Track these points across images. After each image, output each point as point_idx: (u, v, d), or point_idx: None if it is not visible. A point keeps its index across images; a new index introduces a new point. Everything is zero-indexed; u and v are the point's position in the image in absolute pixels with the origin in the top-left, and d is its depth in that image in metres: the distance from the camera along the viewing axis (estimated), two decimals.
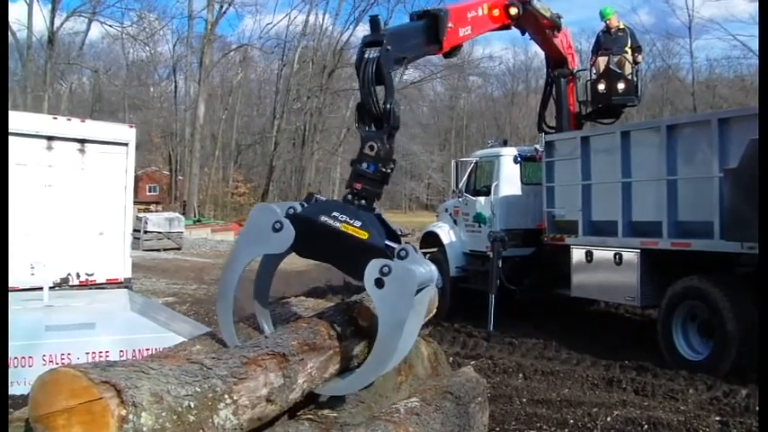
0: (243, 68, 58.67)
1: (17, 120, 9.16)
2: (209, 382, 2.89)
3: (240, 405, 2.97)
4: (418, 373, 4.64)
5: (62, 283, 9.40)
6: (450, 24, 6.52)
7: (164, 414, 2.62)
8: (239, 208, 54.37)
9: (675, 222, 9.21)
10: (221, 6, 49.82)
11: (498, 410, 6.75)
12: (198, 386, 2.83)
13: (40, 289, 8.21)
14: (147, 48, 53.80)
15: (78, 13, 46.23)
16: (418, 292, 3.60)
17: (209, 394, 2.84)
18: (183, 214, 38.74)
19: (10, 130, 7.51)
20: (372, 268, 3.52)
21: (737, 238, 7.90)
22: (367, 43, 4.51)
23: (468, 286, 12.49)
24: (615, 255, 9.98)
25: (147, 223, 28.96)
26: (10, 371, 5.82)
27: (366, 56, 4.42)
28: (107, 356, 6.48)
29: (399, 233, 4.21)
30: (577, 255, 10.70)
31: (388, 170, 4.15)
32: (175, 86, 57.51)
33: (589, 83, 12.47)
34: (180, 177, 57.08)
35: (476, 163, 13.01)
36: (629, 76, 12.08)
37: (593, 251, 10.41)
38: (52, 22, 43.47)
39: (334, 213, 3.82)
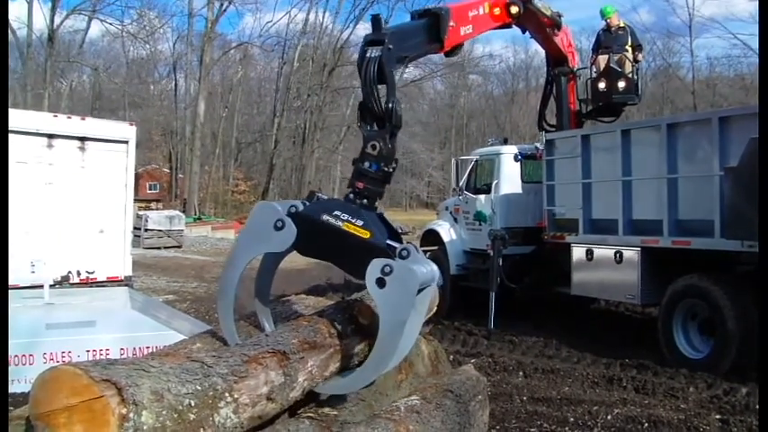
0: (243, 66, 58.69)
1: (17, 118, 9.16)
2: (210, 381, 2.89)
3: (241, 403, 2.98)
4: (419, 372, 4.64)
5: (63, 281, 9.41)
6: (451, 23, 6.49)
7: (164, 412, 2.62)
8: (239, 206, 54.46)
9: (676, 221, 9.21)
10: (221, 4, 49.90)
11: (498, 409, 6.75)
12: (198, 384, 2.83)
13: (41, 287, 8.23)
14: (148, 46, 53.93)
15: (78, 11, 46.36)
16: (419, 291, 3.60)
17: (209, 392, 2.85)
18: (184, 212, 38.76)
19: (10, 128, 7.53)
20: (374, 268, 3.52)
21: (738, 236, 7.89)
22: (369, 42, 4.49)
23: (468, 284, 12.49)
24: (616, 253, 9.98)
25: (147, 221, 28.99)
26: (10, 369, 5.84)
27: (368, 55, 4.40)
28: (107, 354, 6.48)
29: (400, 231, 4.21)
30: (578, 253, 10.70)
31: (390, 169, 4.14)
32: (176, 84, 57.59)
33: (589, 81, 12.45)
34: (180, 175, 57.09)
35: (476, 161, 13.00)
36: (630, 75, 12.06)
37: (594, 249, 10.41)
38: (52, 20, 43.57)
39: (336, 212, 3.82)
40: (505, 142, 13.69)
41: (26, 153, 9.20)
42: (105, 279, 9.92)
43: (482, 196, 12.59)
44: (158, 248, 27.84)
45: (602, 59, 12.19)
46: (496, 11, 9.13)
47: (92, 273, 9.77)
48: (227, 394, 2.92)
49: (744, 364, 7.89)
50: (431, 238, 13.54)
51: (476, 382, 4.78)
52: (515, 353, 9.74)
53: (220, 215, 49.36)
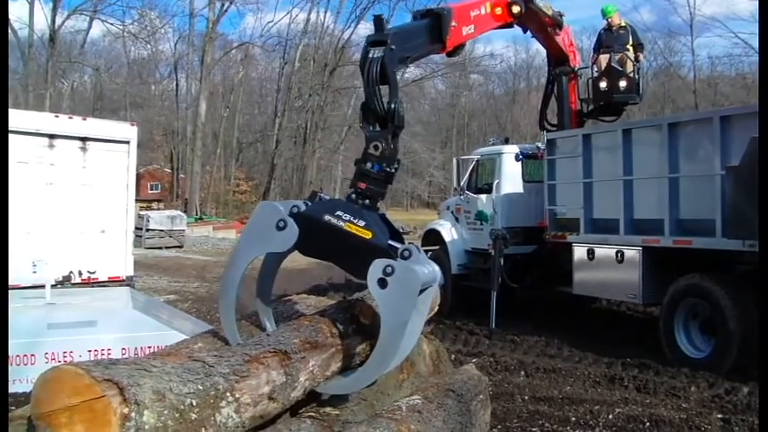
0: (244, 66, 58.66)
1: (19, 118, 9.18)
2: (212, 380, 2.89)
3: (242, 403, 2.98)
4: (420, 371, 4.64)
5: (64, 281, 9.42)
6: (453, 23, 6.49)
7: (166, 412, 2.62)
8: (241, 206, 54.47)
9: (677, 220, 9.20)
10: (222, 4, 49.87)
11: (500, 408, 6.75)
12: (200, 384, 2.83)
13: (43, 287, 8.24)
14: (149, 46, 53.82)
15: (80, 11, 46.32)
16: (421, 292, 3.59)
17: (211, 392, 2.85)
18: (185, 212, 38.77)
19: (12, 129, 7.54)
20: (375, 268, 3.52)
21: (739, 235, 7.89)
22: (371, 42, 4.48)
23: (469, 284, 12.48)
24: (617, 252, 9.97)
25: (148, 221, 29.02)
26: (12, 369, 5.85)
27: (370, 55, 4.39)
28: (109, 354, 6.48)
29: (401, 231, 4.21)
30: (579, 252, 10.70)
31: (393, 170, 4.14)
32: (177, 84, 57.54)
33: (591, 80, 12.44)
34: (182, 175, 57.11)
35: (477, 161, 13.01)
36: (631, 74, 12.05)
37: (595, 249, 10.41)
38: (53, 21, 43.58)
39: (338, 212, 3.82)
40: (507, 142, 13.71)
41: (27, 153, 9.21)
42: (107, 279, 9.93)
43: (483, 196, 12.59)
44: (160, 248, 27.86)
45: (604, 59, 12.18)
46: (498, 10, 9.13)
47: (93, 273, 9.78)
48: (228, 394, 2.92)
49: (745, 364, 7.89)
50: (432, 237, 13.54)
51: (477, 382, 4.78)
52: (517, 352, 9.74)
53: (222, 215, 49.38)
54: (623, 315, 12.61)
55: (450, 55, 7.17)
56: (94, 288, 9.62)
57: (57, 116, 10.72)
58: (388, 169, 4.12)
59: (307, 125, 48.31)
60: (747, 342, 7.88)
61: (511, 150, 12.57)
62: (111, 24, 48.13)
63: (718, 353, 8.47)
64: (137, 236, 18.13)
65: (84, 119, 10.85)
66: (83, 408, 2.49)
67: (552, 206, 11.43)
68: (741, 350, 8.08)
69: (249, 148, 62.01)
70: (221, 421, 2.84)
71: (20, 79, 43.40)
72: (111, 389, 2.52)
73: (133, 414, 2.51)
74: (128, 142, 10.22)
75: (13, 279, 7.26)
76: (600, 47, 12.47)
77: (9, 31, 38.94)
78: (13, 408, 3.70)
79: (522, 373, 8.47)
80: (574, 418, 6.59)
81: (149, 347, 6.37)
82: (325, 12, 50.67)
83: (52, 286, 8.44)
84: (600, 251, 10.34)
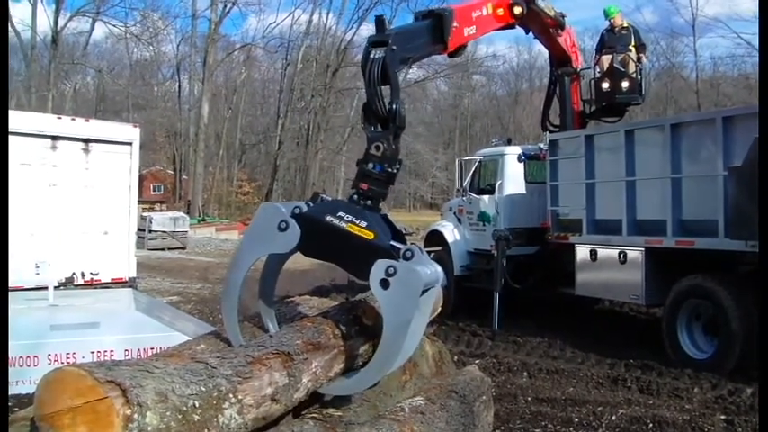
0: (247, 68, 58.72)
1: (21, 120, 9.19)
2: (214, 382, 2.89)
3: (245, 404, 2.98)
4: (423, 372, 4.64)
5: (67, 283, 9.43)
6: (455, 24, 6.51)
7: (168, 413, 2.62)
8: (243, 207, 54.51)
9: (680, 221, 9.19)
10: (225, 6, 49.94)
11: (503, 409, 6.75)
12: (203, 385, 2.83)
13: (45, 288, 8.23)
14: (151, 47, 53.81)
15: (82, 12, 46.30)
16: (423, 292, 3.59)
17: (213, 393, 2.85)
18: (188, 213, 38.79)
19: (14, 130, 7.55)
20: (378, 269, 3.51)
21: (741, 236, 7.87)
22: (372, 43, 4.48)
23: (472, 285, 12.47)
24: (619, 253, 9.96)
25: (151, 222, 29.05)
26: (15, 370, 5.85)
27: (372, 56, 4.39)
28: (112, 356, 6.47)
29: (404, 232, 4.21)
30: (582, 253, 10.69)
31: (394, 171, 4.14)
32: (179, 86, 57.60)
33: (593, 81, 12.44)
34: (184, 177, 57.19)
35: (480, 162, 13.01)
36: (633, 75, 12.04)
37: (598, 250, 10.40)
38: (56, 22, 43.62)
39: (340, 213, 3.82)
40: (509, 143, 13.71)
41: (30, 155, 9.21)
42: (110, 280, 9.93)
43: (486, 197, 12.59)
44: (162, 250, 27.88)
45: (606, 59, 12.17)
46: (500, 11, 9.14)
47: (96, 274, 9.78)
48: (231, 395, 2.92)
49: (747, 365, 7.88)
50: (435, 238, 13.54)
51: (480, 383, 4.78)
52: (519, 353, 9.73)
53: (224, 216, 49.44)
54: (626, 316, 12.60)
55: (451, 56, 7.18)
56: (97, 289, 9.63)
57: (59, 118, 10.72)
58: (390, 170, 4.12)
59: (309, 126, 48.35)
60: (750, 342, 7.87)
61: (513, 151, 12.57)
62: (114, 26, 48.24)
63: (720, 354, 8.46)
64: (139, 237, 18.16)
65: (87, 120, 10.86)
66: (86, 409, 2.49)
67: (555, 207, 11.42)
68: (743, 351, 8.08)
69: (252, 149, 62.07)
70: (224, 423, 2.84)
71: (22, 81, 43.52)
72: (114, 390, 2.52)
73: (136, 415, 2.51)
74: (130, 144, 10.22)
75: (16, 280, 7.28)
76: (602, 48, 12.46)
77: (12, 32, 39.07)
78: (15, 409, 3.71)
79: (525, 374, 8.46)
80: (577, 420, 6.59)
81: (152, 349, 6.36)
82: (328, 13, 50.74)
83: (55, 288, 8.44)
84: (602, 252, 10.33)
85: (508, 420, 6.55)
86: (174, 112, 58.38)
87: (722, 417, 6.63)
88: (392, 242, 3.75)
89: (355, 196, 4.03)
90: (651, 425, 6.34)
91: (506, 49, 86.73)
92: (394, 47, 4.45)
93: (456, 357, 8.33)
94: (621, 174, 9.97)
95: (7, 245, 5.24)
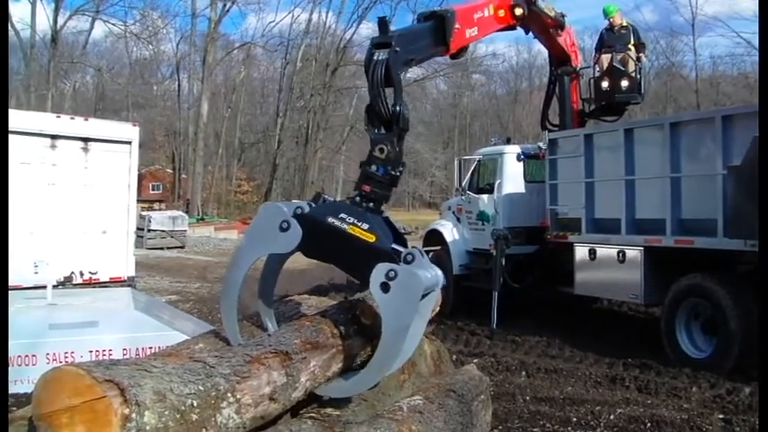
0: (246, 67, 58.65)
1: (20, 118, 9.19)
2: (212, 381, 2.90)
3: (243, 404, 2.98)
4: (421, 372, 4.64)
5: (66, 282, 9.43)
6: (456, 25, 6.50)
7: (167, 413, 2.62)
8: (242, 206, 54.53)
9: (679, 220, 9.19)
10: (224, 5, 49.85)
11: (501, 408, 6.74)
12: (201, 385, 2.83)
13: (44, 287, 8.24)
14: (151, 46, 53.70)
15: (81, 11, 46.28)
16: (424, 296, 3.59)
17: (212, 393, 2.85)
18: (187, 212, 38.79)
19: (14, 129, 7.55)
20: (378, 272, 3.51)
21: (740, 235, 7.88)
22: (375, 45, 4.48)
23: (471, 284, 12.47)
24: (618, 252, 9.96)
25: (150, 222, 29.02)
26: (13, 369, 5.85)
27: (375, 58, 4.39)
28: (110, 355, 6.48)
29: (403, 231, 4.20)
30: (580, 252, 10.69)
31: (397, 173, 4.14)
32: (179, 85, 57.51)
33: (592, 80, 12.44)
34: (183, 176, 57.11)
35: (479, 161, 13.00)
36: (633, 74, 12.04)
37: (597, 249, 10.40)
38: (55, 21, 43.58)
39: (342, 215, 3.82)
40: (508, 142, 13.71)
41: (29, 154, 9.22)
42: (108, 279, 9.94)
43: (485, 196, 12.58)
44: (161, 249, 27.87)
45: (605, 59, 12.17)
46: (501, 13, 9.13)
47: (95, 273, 9.79)
48: (229, 394, 2.92)
49: (746, 364, 7.89)
50: (434, 238, 13.53)
51: (478, 382, 4.78)
52: (518, 353, 9.73)
53: (223, 215, 49.39)
54: (625, 315, 12.60)
55: (453, 57, 7.18)
56: (96, 288, 9.63)
57: (58, 117, 10.73)
58: (393, 172, 4.12)
59: (308, 125, 48.29)
60: (748, 342, 7.87)
61: (512, 150, 12.56)
62: (113, 25, 48.17)
63: (719, 353, 8.45)
64: (138, 236, 18.12)
65: (86, 119, 10.85)
66: (84, 408, 2.49)
67: (554, 206, 11.42)
68: (742, 350, 8.08)
69: (251, 148, 62.03)
70: (222, 422, 2.85)
71: (22, 80, 43.48)
72: (112, 389, 2.52)
73: (134, 415, 2.51)
74: (129, 143, 10.22)
75: (14, 280, 7.27)
76: (602, 47, 12.46)
77: (11, 31, 39.04)
78: (14, 408, 3.71)
79: (524, 373, 8.46)
80: (575, 419, 6.58)
81: (150, 348, 6.37)
82: (327, 12, 50.68)
83: (54, 287, 8.45)
84: (601, 251, 10.33)
85: (506, 420, 6.55)
86: (173, 111, 58.31)
87: (720, 416, 6.63)
88: (393, 245, 3.74)
89: (358, 198, 4.03)
90: (649, 424, 6.34)
91: (506, 48, 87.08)
92: (397, 48, 4.45)
93: (454, 356, 8.33)
94: (621, 173, 9.97)
95: (7, 244, 5.24)
